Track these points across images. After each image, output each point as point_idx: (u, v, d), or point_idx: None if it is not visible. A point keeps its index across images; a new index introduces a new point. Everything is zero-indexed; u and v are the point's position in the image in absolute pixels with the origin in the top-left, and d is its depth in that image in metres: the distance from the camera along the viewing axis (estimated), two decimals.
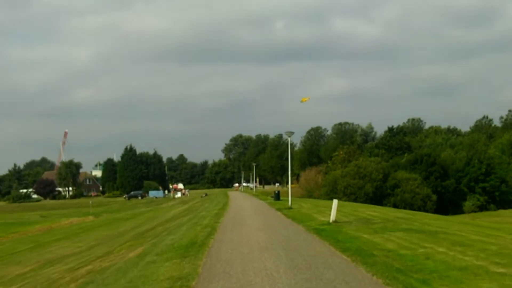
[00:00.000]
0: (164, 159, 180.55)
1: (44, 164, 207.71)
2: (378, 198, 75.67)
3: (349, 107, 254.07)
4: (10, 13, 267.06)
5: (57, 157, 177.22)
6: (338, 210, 31.92)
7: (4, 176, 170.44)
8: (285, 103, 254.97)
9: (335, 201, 21.88)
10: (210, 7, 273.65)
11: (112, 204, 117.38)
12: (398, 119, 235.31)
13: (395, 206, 72.51)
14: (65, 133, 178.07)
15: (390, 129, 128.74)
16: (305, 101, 36.75)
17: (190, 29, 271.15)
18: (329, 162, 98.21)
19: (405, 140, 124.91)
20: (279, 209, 33.89)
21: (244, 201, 56.22)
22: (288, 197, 67.62)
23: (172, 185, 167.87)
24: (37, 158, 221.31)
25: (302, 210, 32.03)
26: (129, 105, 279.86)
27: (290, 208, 34.50)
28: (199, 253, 14.47)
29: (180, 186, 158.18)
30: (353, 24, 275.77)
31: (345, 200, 71.39)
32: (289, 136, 34.82)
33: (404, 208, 68.99)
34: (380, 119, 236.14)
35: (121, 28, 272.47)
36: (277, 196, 51.91)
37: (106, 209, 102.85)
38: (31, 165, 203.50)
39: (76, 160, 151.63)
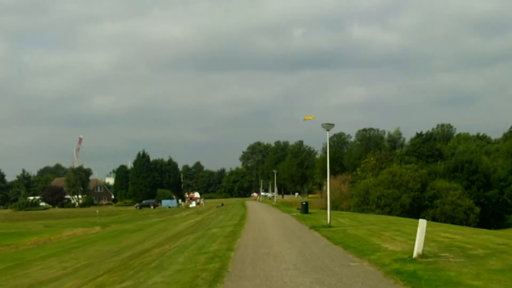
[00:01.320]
0: (180, 167, 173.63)
1: (59, 170, 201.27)
2: (415, 210, 67.13)
3: (368, 116, 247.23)
4: (28, 19, 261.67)
5: (71, 164, 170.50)
6: (392, 230, 23.74)
7: (13, 183, 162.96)
8: (304, 111, 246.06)
9: (423, 222, 13.43)
10: (228, 14, 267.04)
11: (123, 213, 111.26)
12: (418, 127, 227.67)
13: (434, 219, 64.23)
14: (80, 139, 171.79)
15: (419, 135, 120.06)
16: (309, 119, 31.44)
17: (207, 36, 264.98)
18: (358, 169, 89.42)
19: (436, 147, 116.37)
20: (314, 228, 25.45)
21: (265, 214, 47.87)
22: (317, 209, 59.62)
23: (188, 194, 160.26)
24: (52, 165, 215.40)
25: (348, 231, 23.44)
26: (146, 112, 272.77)
27: (329, 226, 26.07)
28: None
29: (197, 195, 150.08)
30: (372, 32, 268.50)
31: (379, 213, 63.20)
32: (328, 130, 26.64)
33: (445, 221, 60.51)
34: (401, 127, 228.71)
35: (138, 36, 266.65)
36: (304, 208, 43.23)
37: (116, 219, 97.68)
38: (44, 171, 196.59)
39: (91, 167, 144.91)
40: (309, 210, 45.33)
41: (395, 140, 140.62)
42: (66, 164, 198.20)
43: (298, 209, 47.52)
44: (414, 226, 25.81)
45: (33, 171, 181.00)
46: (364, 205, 67.13)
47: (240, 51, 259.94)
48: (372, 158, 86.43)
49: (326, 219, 28.95)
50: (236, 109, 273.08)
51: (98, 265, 30.90)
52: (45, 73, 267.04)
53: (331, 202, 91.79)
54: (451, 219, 64.97)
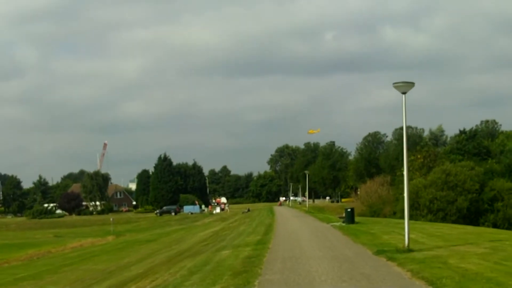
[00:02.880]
0: (206, 172, 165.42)
1: (82, 177, 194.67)
2: (472, 215, 57.25)
3: (401, 118, 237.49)
4: (59, 25, 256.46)
5: (95, 169, 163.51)
6: None
7: (30, 189, 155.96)
8: (334, 115, 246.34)
9: None
10: (258, 19, 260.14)
11: (142, 221, 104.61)
12: (454, 128, 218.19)
13: (495, 225, 54.46)
14: (104, 145, 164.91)
15: (462, 132, 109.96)
16: (313, 133, 22.52)
17: (238, 41, 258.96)
18: (402, 168, 78.86)
19: (483, 144, 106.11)
20: (385, 254, 14.85)
21: (297, 224, 38.21)
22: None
23: (215, 199, 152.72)
24: (77, 171, 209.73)
25: (449, 261, 13.19)
26: (174, 118, 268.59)
27: (409, 250, 15.54)
28: None
29: (223, 200, 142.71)
30: (403, 34, 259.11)
31: (431, 220, 53.37)
32: (404, 92, 16.83)
33: (508, 229, 50.51)
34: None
35: (168, 41, 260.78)
36: (350, 216, 33.39)
37: (133, 227, 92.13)
38: (69, 178, 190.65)
39: (117, 173, 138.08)
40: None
41: (437, 138, 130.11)
42: (90, 170, 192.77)
43: (340, 217, 37.79)
44: None
45: (57, 177, 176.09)
46: (413, 210, 57.20)
47: (270, 56, 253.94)
48: (419, 156, 76.11)
49: (388, 233, 19.31)
50: (265, 114, 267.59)
51: None
52: (75, 81, 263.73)
53: (369, 207, 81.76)
54: None
